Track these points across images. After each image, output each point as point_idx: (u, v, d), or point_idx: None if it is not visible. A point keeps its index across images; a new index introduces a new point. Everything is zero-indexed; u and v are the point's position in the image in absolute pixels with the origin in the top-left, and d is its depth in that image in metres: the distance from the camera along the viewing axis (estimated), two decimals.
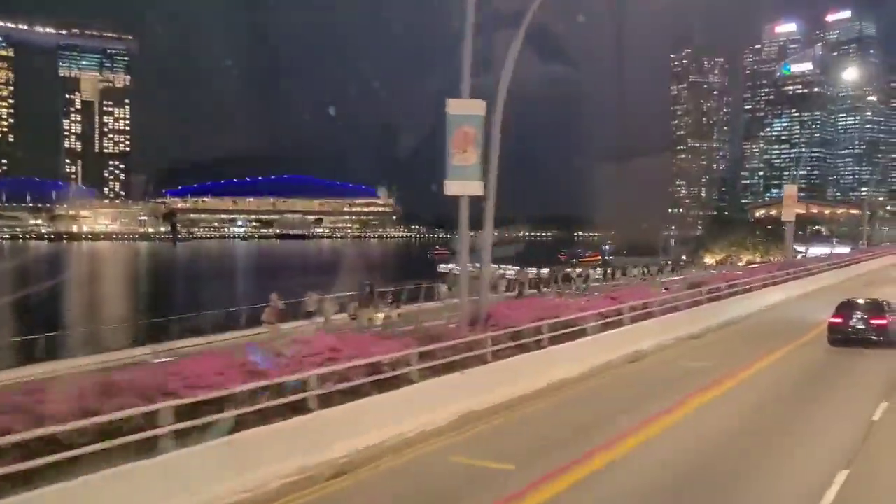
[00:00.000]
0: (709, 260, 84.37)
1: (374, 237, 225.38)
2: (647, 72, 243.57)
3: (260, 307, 20.49)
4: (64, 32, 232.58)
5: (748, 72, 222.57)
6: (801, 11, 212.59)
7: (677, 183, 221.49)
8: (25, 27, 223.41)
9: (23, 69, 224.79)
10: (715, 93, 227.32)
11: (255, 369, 8.39)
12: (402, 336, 11.55)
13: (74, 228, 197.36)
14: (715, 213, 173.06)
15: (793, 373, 15.12)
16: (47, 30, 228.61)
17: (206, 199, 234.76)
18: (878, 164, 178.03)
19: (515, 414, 11.65)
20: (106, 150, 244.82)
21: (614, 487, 8.30)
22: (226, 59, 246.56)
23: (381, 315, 18.48)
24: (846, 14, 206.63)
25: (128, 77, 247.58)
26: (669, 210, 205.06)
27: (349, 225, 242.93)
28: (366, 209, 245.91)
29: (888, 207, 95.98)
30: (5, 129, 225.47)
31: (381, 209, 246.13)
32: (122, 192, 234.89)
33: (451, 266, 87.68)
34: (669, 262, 71.08)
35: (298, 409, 8.64)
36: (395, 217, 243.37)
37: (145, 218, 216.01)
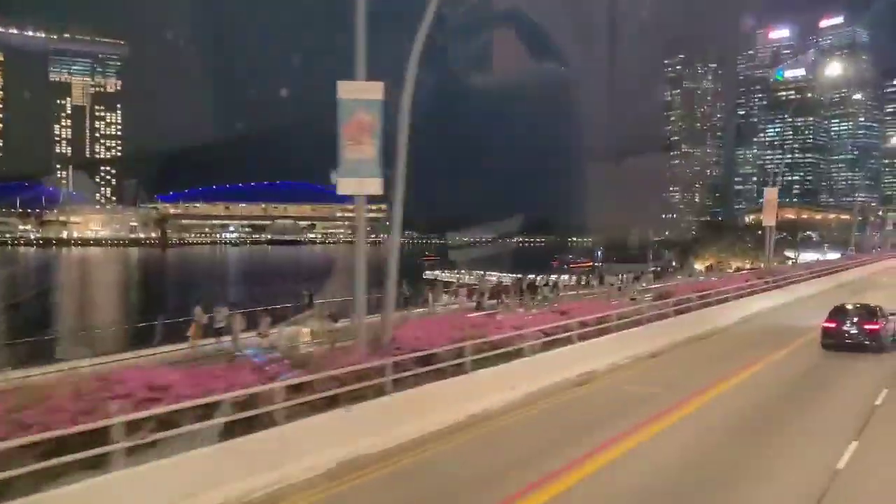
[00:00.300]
0: (698, 266, 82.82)
1: (366, 243, 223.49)
2: (642, 77, 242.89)
3: (187, 321, 18.75)
4: (55, 37, 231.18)
5: (741, 77, 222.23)
6: (795, 17, 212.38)
7: (671, 188, 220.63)
8: (16, 31, 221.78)
9: (13, 74, 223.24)
10: (708, 98, 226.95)
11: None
12: (280, 363, 9.65)
13: (64, 234, 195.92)
14: (708, 218, 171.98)
15: (755, 399, 13.26)
16: (38, 34, 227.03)
17: (197, 204, 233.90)
18: (870, 169, 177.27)
19: (420, 456, 9.79)
20: (97, 155, 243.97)
21: None
22: (218, 62, 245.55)
23: (306, 331, 16.55)
24: (839, 20, 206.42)
25: (119, 82, 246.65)
26: (663, 215, 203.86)
27: (342, 231, 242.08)
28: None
29: (880, 213, 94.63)
30: None
31: (373, 214, 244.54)
32: (114, 198, 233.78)
33: (436, 272, 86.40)
34: (658, 269, 69.61)
35: (97, 466, 6.75)
36: (387, 223, 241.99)
37: (136, 223, 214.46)
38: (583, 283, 37.89)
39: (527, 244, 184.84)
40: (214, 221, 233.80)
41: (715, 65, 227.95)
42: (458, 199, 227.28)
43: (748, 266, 73.58)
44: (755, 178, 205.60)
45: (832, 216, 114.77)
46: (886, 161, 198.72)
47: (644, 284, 33.18)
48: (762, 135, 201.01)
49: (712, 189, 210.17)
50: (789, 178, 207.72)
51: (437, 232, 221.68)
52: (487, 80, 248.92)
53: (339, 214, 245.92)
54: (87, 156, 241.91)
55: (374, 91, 10.25)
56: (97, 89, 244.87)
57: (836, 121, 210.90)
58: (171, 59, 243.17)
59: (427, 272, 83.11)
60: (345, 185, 10.43)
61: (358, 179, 10.46)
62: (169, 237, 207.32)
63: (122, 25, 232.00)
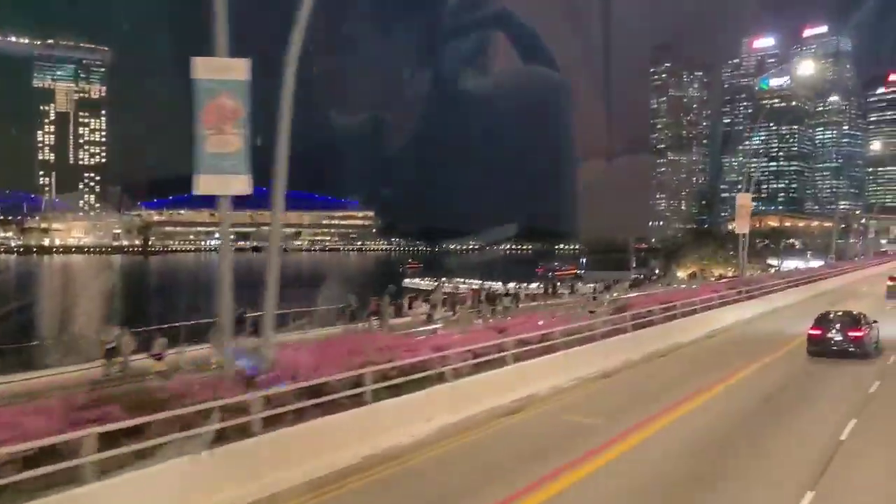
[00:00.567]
0: (681, 273, 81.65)
1: (353, 250, 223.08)
2: (629, 85, 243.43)
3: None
4: (38, 42, 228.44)
5: (727, 86, 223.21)
6: (780, 26, 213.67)
7: (658, 196, 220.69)
8: None
9: None
10: (694, 106, 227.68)
11: None
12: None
13: (46, 241, 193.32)
14: (695, 226, 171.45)
15: (705, 433, 11.61)
16: (21, 40, 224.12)
17: (182, 211, 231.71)
18: (854, 177, 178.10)
19: None
20: (81, 162, 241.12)
21: None
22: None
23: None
24: (823, 29, 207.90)
25: (103, 88, 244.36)
26: (650, 223, 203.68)
27: (328, 238, 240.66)
28: (345, 222, 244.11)
29: (863, 221, 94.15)
30: None
31: (360, 222, 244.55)
32: (97, 205, 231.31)
33: (416, 280, 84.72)
34: (641, 276, 68.34)
35: None
36: (374, 230, 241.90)
37: (119, 231, 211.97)
38: (550, 292, 36.06)
39: (517, 251, 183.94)
40: (199, 228, 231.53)
41: (701, 73, 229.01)
42: (448, 206, 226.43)
43: (731, 273, 72.48)
44: (740, 187, 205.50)
45: (815, 224, 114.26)
46: (870, 169, 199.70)
47: (615, 294, 31.54)
48: (747, 143, 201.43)
49: (699, 196, 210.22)
50: (775, 185, 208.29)
51: (424, 239, 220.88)
52: (481, 85, 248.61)
53: (325, 221, 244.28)
54: (71, 162, 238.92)
55: (239, 70, 8.55)
56: (81, 95, 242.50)
57: (821, 129, 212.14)
58: (156, 64, 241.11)
59: (408, 280, 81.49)
60: (205, 184, 8.70)
61: (221, 177, 8.74)
62: (153, 244, 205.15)
63: (106, 31, 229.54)
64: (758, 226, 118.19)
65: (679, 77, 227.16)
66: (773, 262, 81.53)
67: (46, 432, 6.63)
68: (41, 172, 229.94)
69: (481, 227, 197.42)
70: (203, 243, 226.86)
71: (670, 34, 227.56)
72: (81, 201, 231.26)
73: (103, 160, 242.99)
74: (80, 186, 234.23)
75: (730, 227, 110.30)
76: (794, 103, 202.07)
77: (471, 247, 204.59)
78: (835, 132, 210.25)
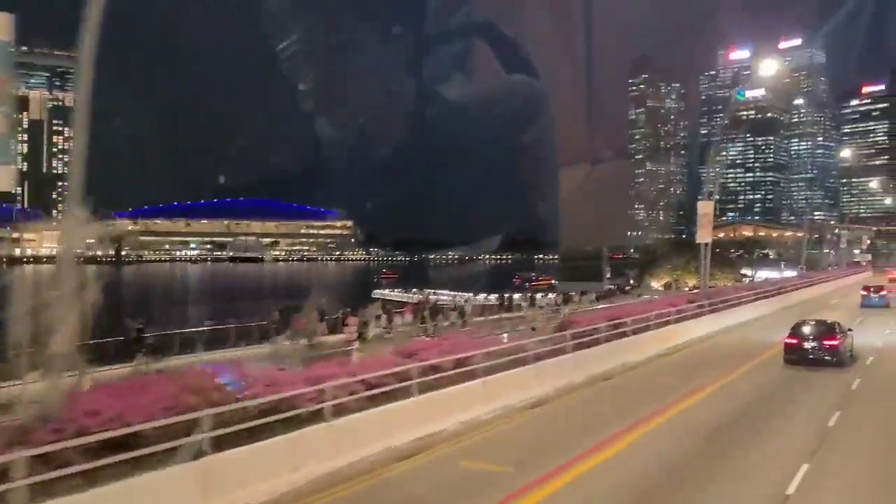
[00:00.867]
0: (656, 284, 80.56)
1: (331, 260, 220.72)
2: (607, 96, 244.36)
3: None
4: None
5: (703, 97, 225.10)
6: (756, 38, 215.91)
7: (636, 206, 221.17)
8: None
9: None
10: (672, 117, 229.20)
11: None
12: None
13: (17, 251, 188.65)
14: (672, 236, 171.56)
15: (632, 482, 9.72)
16: None
17: (157, 220, 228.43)
18: (829, 188, 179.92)
19: None
20: (54, 171, 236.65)
21: None
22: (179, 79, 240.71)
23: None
24: (797, 42, 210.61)
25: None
26: (629, 233, 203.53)
27: (306, 248, 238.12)
28: (323, 232, 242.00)
29: (836, 231, 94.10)
30: None
31: (338, 231, 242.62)
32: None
33: (386, 291, 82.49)
34: (614, 287, 66.91)
35: None
36: (353, 240, 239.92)
37: (93, 241, 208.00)
38: (506, 304, 34.07)
39: (499, 262, 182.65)
40: (174, 238, 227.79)
41: (678, 84, 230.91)
42: (432, 216, 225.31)
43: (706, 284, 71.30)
44: (718, 197, 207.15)
45: (789, 234, 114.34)
46: (844, 180, 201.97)
47: (569, 309, 29.73)
48: (724, 154, 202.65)
49: (676, 207, 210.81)
50: (751, 196, 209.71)
51: (406, 249, 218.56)
52: (464, 94, 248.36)
53: (303, 231, 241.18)
54: (44, 171, 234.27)
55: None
56: (55, 103, 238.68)
57: (796, 140, 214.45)
58: (131, 72, 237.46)
59: (378, 291, 79.37)
60: None
61: None
62: (127, 254, 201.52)
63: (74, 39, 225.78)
64: (732, 236, 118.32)
65: (657, 88, 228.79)
66: (747, 272, 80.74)
67: None
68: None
69: (466, 237, 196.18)
70: (178, 253, 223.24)
71: (648, 45, 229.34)
72: (55, 211, 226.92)
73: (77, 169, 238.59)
74: (54, 195, 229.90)
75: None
76: (769, 115, 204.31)
77: (451, 257, 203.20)
78: (810, 143, 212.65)
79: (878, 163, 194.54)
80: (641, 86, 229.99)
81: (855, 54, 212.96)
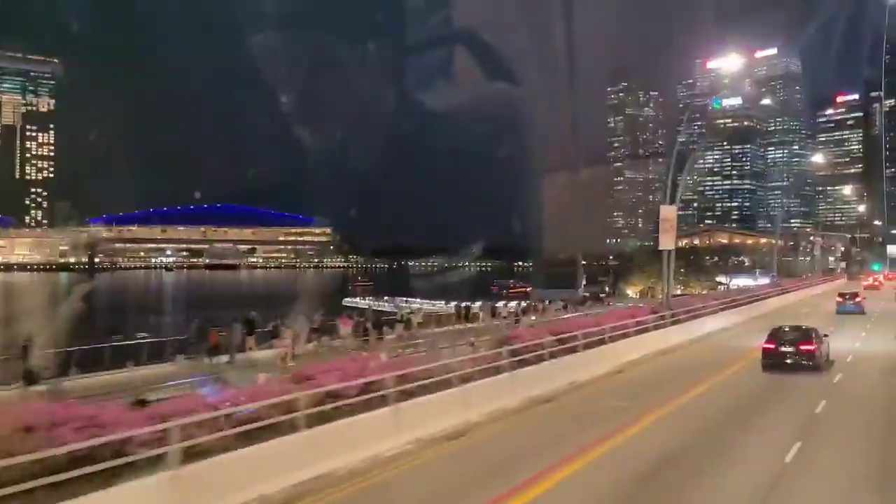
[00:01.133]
0: (631, 291, 79.77)
1: (309, 267, 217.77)
2: (587, 103, 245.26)
3: None
4: None
5: (681, 105, 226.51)
6: (733, 47, 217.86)
7: (615, 213, 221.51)
8: None
9: None
10: (650, 125, 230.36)
11: None
12: None
13: None
14: (651, 243, 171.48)
15: None
16: None
17: (132, 227, 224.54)
18: (805, 196, 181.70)
19: None
20: (28, 177, 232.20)
21: None
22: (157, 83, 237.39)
23: None
24: (773, 51, 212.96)
25: (52, 101, 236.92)
26: (608, 240, 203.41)
27: (284, 255, 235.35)
28: (301, 239, 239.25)
29: (811, 238, 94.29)
30: None
31: (317, 239, 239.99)
32: (45, 221, 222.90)
33: (358, 299, 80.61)
34: (587, 294, 65.94)
35: None
36: (332, 247, 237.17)
37: (66, 248, 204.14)
38: (462, 314, 32.32)
39: (480, 269, 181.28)
40: (150, 245, 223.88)
41: (656, 93, 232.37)
42: (415, 224, 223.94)
43: (679, 291, 70.81)
44: (696, 204, 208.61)
45: (764, 241, 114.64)
46: (819, 188, 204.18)
47: (533, 318, 28.22)
48: (702, 162, 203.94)
49: (655, 214, 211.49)
50: (728, 204, 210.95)
51: (386, 257, 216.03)
52: (445, 102, 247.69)
53: (281, 238, 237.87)
54: (17, 177, 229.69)
55: None
56: (29, 108, 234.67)
57: (772, 149, 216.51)
58: (106, 78, 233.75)
59: (349, 299, 77.50)
60: None
61: None
62: (101, 261, 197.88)
63: (55, 43, 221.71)
64: (708, 243, 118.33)
65: (635, 96, 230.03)
66: (722, 279, 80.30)
67: None
68: None
69: (448, 244, 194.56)
70: (154, 260, 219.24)
71: (627, 54, 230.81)
72: (28, 217, 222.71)
73: (51, 175, 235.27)
74: (27, 202, 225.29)
75: (680, 243, 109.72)
76: (745, 123, 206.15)
77: (432, 265, 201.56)
78: (786, 152, 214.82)
79: (852, 171, 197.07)
80: (620, 94, 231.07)
81: (830, 64, 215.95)
